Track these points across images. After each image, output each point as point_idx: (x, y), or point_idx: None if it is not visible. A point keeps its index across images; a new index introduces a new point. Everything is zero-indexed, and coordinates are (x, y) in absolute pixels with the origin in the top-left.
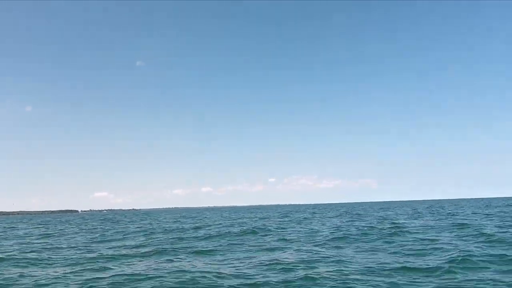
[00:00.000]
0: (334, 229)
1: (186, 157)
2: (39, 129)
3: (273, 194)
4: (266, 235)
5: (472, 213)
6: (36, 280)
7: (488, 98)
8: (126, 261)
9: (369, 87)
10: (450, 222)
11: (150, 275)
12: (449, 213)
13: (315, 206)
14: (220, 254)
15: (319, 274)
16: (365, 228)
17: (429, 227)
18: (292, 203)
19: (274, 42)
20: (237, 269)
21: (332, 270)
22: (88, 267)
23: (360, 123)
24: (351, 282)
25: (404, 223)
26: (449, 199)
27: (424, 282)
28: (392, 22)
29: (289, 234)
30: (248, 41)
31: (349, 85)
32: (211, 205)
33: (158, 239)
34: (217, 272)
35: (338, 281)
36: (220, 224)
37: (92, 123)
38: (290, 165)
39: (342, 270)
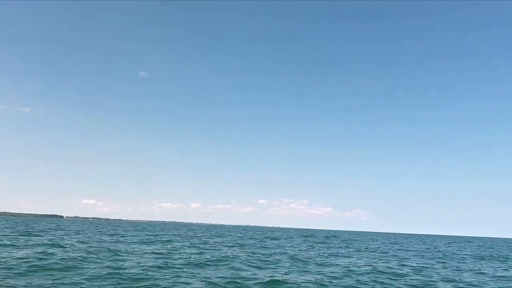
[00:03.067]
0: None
1: (179, 172)
2: (36, 130)
3: (262, 216)
4: None
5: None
6: None
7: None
8: None
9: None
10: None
11: None
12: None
13: (298, 230)
14: None
15: None
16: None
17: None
18: (281, 226)
19: (282, 61)
20: None
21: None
22: None
23: (355, 153)
24: None
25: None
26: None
27: None
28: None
29: None
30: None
31: (348, 114)
32: (199, 221)
33: None
34: None
35: None
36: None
37: (87, 129)
38: (282, 189)
39: None
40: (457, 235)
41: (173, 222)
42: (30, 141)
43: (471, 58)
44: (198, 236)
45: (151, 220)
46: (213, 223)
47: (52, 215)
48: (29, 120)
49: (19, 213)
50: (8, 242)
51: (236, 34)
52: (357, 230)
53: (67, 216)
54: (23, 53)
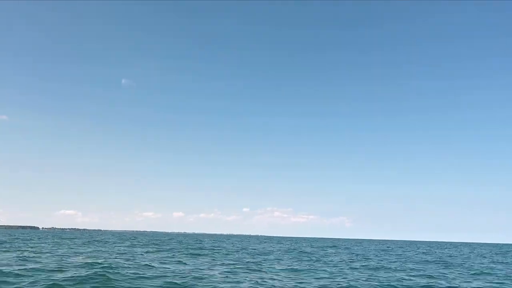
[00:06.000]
0: None
1: (160, 180)
2: (12, 138)
3: (246, 225)
4: None
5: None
6: None
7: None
8: None
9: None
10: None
11: None
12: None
13: (281, 238)
14: None
15: None
16: None
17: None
18: (266, 235)
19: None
20: None
21: None
22: None
23: (338, 160)
24: None
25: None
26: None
27: None
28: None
29: None
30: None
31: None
32: (182, 231)
33: None
34: None
35: None
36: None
37: (65, 137)
38: (265, 197)
39: None
40: (435, 240)
41: (155, 231)
42: (5, 149)
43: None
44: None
45: (133, 230)
46: (196, 232)
47: (27, 226)
48: (5, 127)
49: None
50: None
51: (227, 38)
52: (341, 237)
53: (43, 227)
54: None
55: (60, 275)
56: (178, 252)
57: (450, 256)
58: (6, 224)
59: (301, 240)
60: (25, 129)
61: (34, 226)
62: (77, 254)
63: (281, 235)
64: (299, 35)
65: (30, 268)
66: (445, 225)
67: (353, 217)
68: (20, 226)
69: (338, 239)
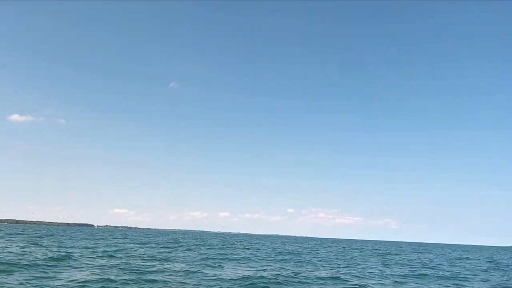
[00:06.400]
0: None
1: (207, 180)
2: (70, 141)
3: (290, 225)
4: None
5: None
6: None
7: None
8: None
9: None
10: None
11: None
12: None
13: (327, 240)
14: None
15: None
16: None
17: None
18: (309, 236)
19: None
20: None
21: None
22: None
23: (386, 161)
24: None
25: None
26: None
27: None
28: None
29: None
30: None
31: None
32: (227, 230)
33: None
34: None
35: None
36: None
37: (119, 139)
38: (311, 198)
39: None
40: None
41: (201, 231)
42: (63, 151)
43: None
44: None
45: (180, 229)
46: (241, 232)
47: (83, 224)
48: (64, 130)
49: (51, 222)
50: None
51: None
52: (387, 240)
53: (98, 225)
54: (56, 59)
55: None
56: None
57: None
58: (64, 222)
59: (352, 242)
60: (81, 128)
61: (90, 224)
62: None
63: (325, 237)
64: (306, 30)
65: None
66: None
67: (399, 218)
68: (77, 224)
69: (385, 242)
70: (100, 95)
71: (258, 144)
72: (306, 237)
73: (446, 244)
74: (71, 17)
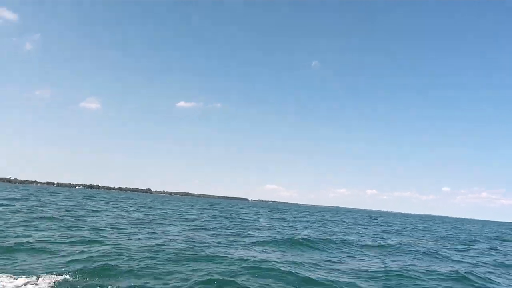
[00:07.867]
0: None
1: (356, 158)
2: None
3: (445, 205)
4: None
5: None
6: None
7: None
8: None
9: None
10: None
11: None
12: None
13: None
14: None
15: None
16: None
17: None
18: (468, 218)
19: None
20: None
21: None
22: None
23: None
24: None
25: None
26: None
27: None
28: None
29: None
30: None
31: None
32: (374, 208)
33: None
34: None
35: None
36: None
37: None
38: (471, 175)
39: None
40: None
41: (346, 208)
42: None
43: None
44: None
45: (324, 205)
46: (389, 210)
47: (239, 197)
48: (219, 114)
49: (212, 195)
50: None
51: None
52: None
53: (251, 199)
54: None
55: None
56: None
57: None
58: (222, 195)
59: None
60: (234, 115)
61: (244, 198)
62: None
63: (486, 219)
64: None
65: None
66: None
67: None
68: (234, 197)
69: None
70: (248, 84)
71: (411, 122)
72: (464, 219)
73: None
74: (221, 16)
